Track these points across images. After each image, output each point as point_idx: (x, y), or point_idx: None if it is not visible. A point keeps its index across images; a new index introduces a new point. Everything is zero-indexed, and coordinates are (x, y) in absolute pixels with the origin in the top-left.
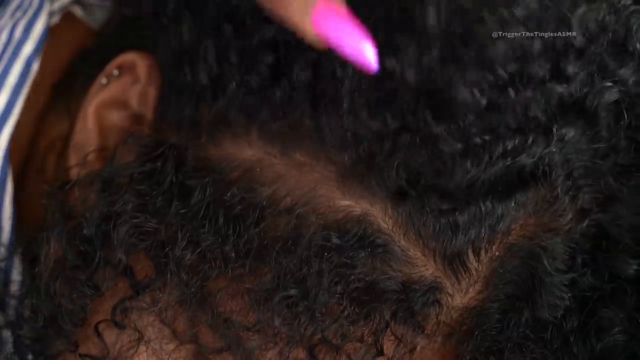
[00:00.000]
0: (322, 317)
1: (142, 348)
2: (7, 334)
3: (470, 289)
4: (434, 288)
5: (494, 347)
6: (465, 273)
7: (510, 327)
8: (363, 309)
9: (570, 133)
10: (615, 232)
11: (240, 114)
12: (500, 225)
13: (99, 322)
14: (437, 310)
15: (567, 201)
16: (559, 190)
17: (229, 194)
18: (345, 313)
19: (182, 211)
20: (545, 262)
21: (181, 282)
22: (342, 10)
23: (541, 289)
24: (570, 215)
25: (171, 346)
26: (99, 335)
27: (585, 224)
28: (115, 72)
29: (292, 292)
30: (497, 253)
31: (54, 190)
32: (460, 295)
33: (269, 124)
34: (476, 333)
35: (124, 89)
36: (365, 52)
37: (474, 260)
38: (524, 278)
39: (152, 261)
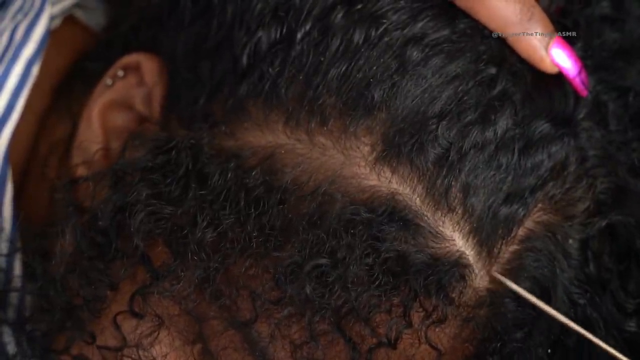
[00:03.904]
0: (353, 287)
1: (163, 334)
2: (8, 337)
3: (494, 269)
4: (460, 263)
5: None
6: (488, 252)
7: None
8: (393, 280)
9: (584, 124)
10: (625, 236)
11: (262, 102)
12: (522, 209)
13: (117, 313)
14: (462, 286)
15: (584, 188)
16: (576, 176)
17: (250, 178)
18: (376, 284)
19: (201, 195)
20: (559, 267)
21: (202, 262)
22: (568, 47)
23: (555, 289)
24: (587, 204)
25: (193, 328)
26: (116, 325)
27: (603, 223)
28: (120, 73)
29: (323, 261)
30: (516, 240)
31: (64, 186)
32: (483, 274)
33: (294, 110)
34: (491, 324)
35: (129, 90)
36: (584, 79)
37: (498, 242)
38: (540, 276)
39: (168, 248)
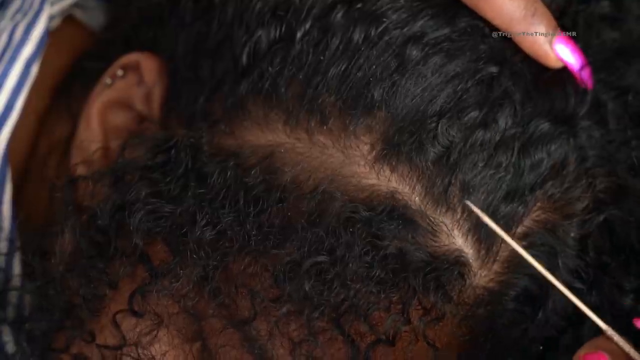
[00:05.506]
0: (352, 285)
1: (162, 332)
2: (8, 336)
3: (492, 268)
4: (459, 262)
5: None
6: (487, 251)
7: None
8: (392, 278)
9: (584, 123)
10: (622, 233)
11: (261, 101)
12: (521, 208)
13: (117, 312)
14: (461, 284)
15: (583, 187)
16: (576, 175)
17: (249, 177)
18: (375, 281)
19: (200, 194)
20: (560, 262)
21: (201, 260)
22: (572, 42)
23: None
24: (586, 203)
25: (192, 326)
26: (116, 324)
27: (601, 218)
28: (120, 72)
29: (322, 259)
30: (515, 238)
31: (63, 185)
32: (481, 273)
33: (294, 109)
34: (489, 322)
35: (129, 89)
36: (587, 73)
37: (497, 240)
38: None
39: (168, 246)
